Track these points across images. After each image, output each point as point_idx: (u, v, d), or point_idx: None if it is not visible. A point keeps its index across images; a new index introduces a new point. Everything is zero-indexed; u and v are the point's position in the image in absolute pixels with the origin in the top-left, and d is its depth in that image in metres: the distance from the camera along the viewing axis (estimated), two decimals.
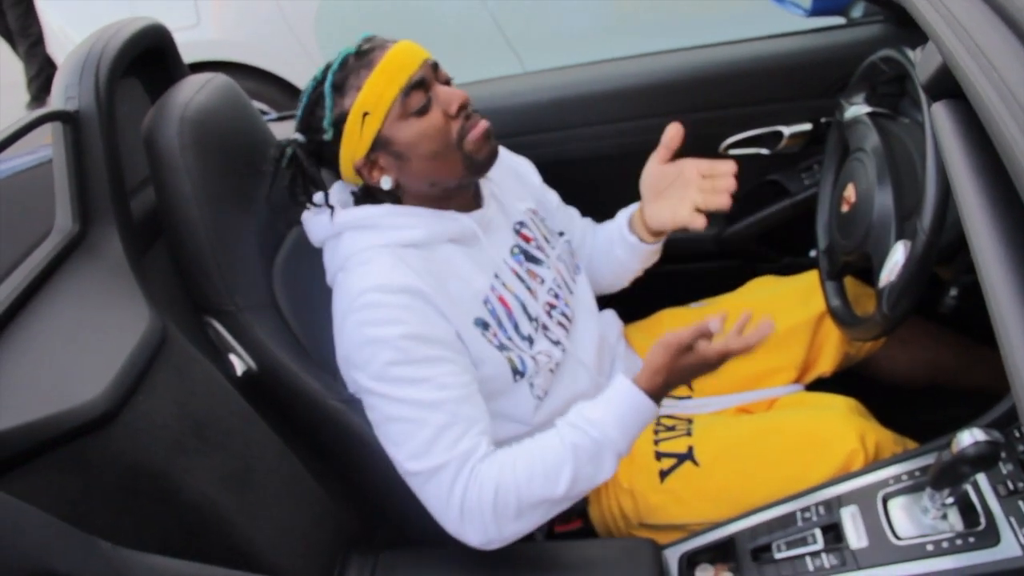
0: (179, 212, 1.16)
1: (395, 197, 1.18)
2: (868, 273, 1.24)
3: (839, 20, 1.69)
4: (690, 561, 1.13)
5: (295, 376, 1.19)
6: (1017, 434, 1.01)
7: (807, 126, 1.65)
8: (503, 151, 1.30)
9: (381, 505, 1.28)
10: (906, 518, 1.02)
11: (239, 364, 1.21)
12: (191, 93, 1.19)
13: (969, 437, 0.87)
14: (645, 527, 1.26)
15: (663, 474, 1.24)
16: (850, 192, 1.24)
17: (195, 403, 1.04)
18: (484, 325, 1.14)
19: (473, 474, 1.05)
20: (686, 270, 1.78)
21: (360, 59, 1.10)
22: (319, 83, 1.13)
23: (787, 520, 1.10)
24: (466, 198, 1.22)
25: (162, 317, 1.07)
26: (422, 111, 1.10)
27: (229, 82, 1.29)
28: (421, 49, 1.13)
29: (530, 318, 1.20)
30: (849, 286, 1.37)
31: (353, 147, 1.12)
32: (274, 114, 1.86)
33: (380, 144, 1.12)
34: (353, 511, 1.27)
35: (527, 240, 1.28)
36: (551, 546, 1.20)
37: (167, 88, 1.25)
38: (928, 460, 1.06)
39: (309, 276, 1.30)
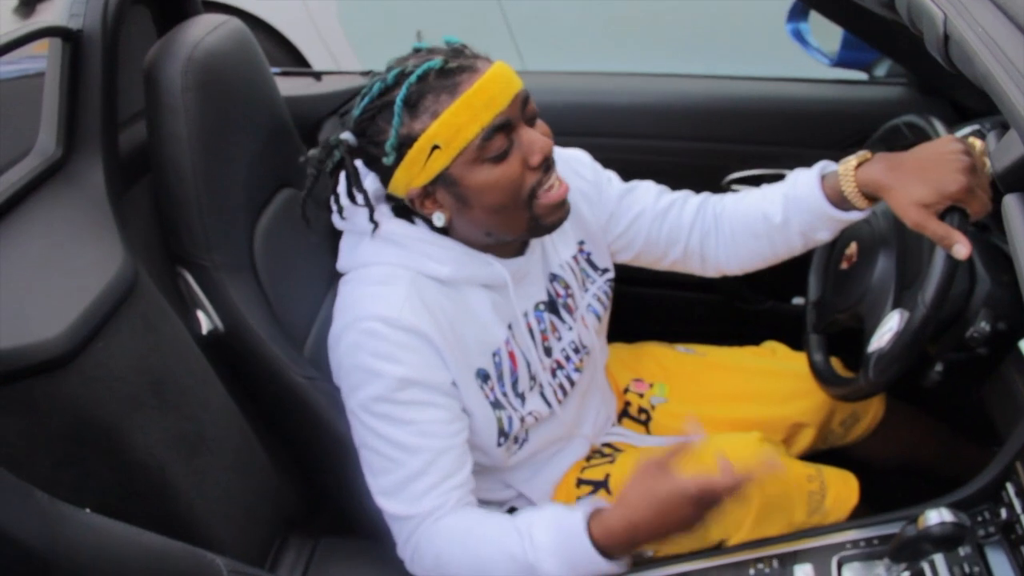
0: (170, 154, 1.11)
1: (443, 232, 1.07)
2: (853, 333, 1.24)
3: (862, 76, 1.68)
4: None
5: (261, 343, 1.15)
6: (980, 519, 1.01)
7: None
8: (557, 150, 1.09)
9: (330, 487, 1.25)
10: None
11: (205, 322, 1.16)
12: (202, 33, 1.14)
13: (936, 516, 0.86)
14: None
15: (579, 501, 1.22)
16: (852, 250, 1.23)
17: (156, 358, 0.99)
18: (484, 377, 1.08)
19: (429, 533, 1.01)
20: (672, 297, 1.76)
21: (444, 78, 0.95)
22: (388, 89, 0.98)
23: (740, 569, 1.08)
24: (512, 247, 1.11)
25: (135, 262, 1.02)
26: (499, 158, 0.97)
27: (243, 29, 1.24)
28: (515, 78, 0.98)
29: (531, 376, 1.14)
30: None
31: (412, 175, 0.99)
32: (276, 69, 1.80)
33: (443, 181, 0.98)
34: (298, 491, 1.23)
35: (558, 294, 1.19)
36: None
37: (176, 22, 1.19)
38: (889, 530, 1.05)
39: (292, 244, 1.26)
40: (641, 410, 1.39)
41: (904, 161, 1.02)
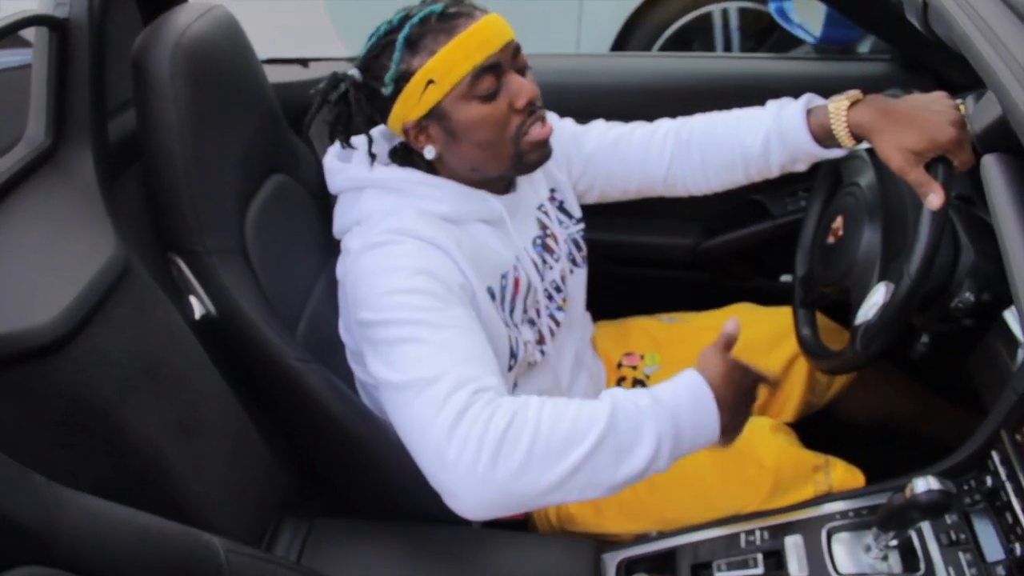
0: (160, 141, 1.11)
1: (431, 166, 1.12)
2: (841, 307, 1.25)
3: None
4: (628, 569, 1.12)
5: (255, 328, 1.16)
6: (966, 487, 1.03)
7: None
8: None
9: (324, 468, 1.25)
10: (847, 554, 1.03)
11: (198, 307, 1.16)
12: (189, 20, 1.14)
13: (924, 484, 0.87)
14: (566, 533, 1.26)
15: None
16: (838, 224, 1.24)
17: (150, 343, 1.00)
18: (492, 295, 1.10)
19: (481, 397, 0.88)
20: (658, 276, 1.77)
21: (443, 21, 1.02)
22: (392, 30, 1.05)
23: (731, 541, 1.10)
24: (501, 183, 1.16)
25: (127, 248, 1.02)
26: (488, 97, 1.03)
27: (230, 16, 1.24)
28: (507, 28, 1.06)
29: (526, 308, 1.17)
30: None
31: (408, 108, 1.05)
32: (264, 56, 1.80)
33: (436, 115, 1.05)
34: (293, 473, 1.24)
35: (544, 229, 1.23)
36: (489, 533, 1.19)
37: (162, 10, 1.19)
38: (878, 500, 1.07)
39: (283, 229, 1.27)
40: (637, 381, 1.41)
41: (897, 107, 1.05)
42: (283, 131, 1.39)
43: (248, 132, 1.23)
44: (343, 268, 1.13)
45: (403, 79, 1.03)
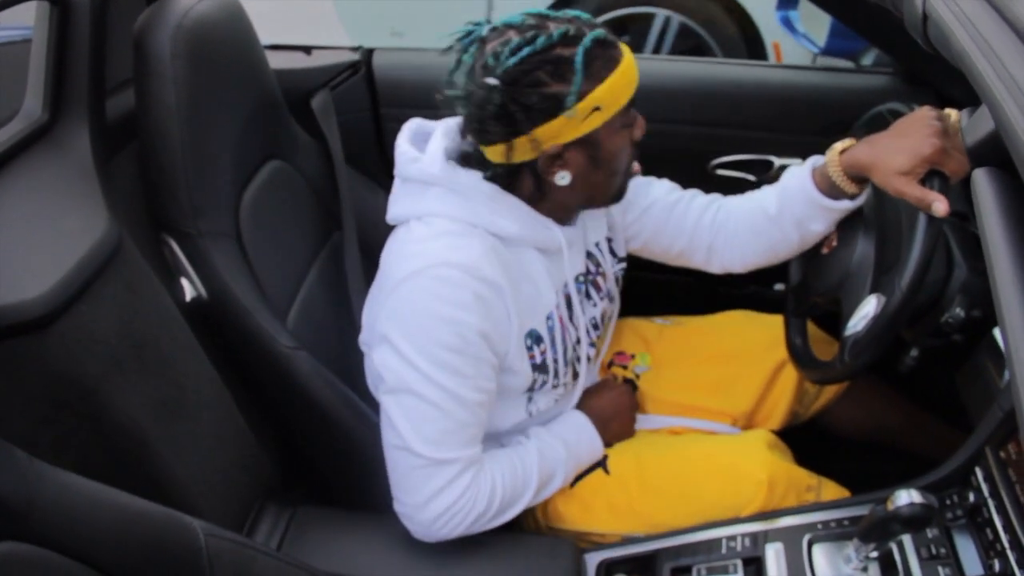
0: (158, 121, 1.11)
1: (537, 196, 1.09)
2: (832, 317, 1.25)
3: (849, 64, 1.69)
4: (609, 570, 1.13)
5: (245, 313, 1.15)
6: (949, 502, 1.03)
7: (798, 161, 1.65)
8: None
9: (309, 456, 1.25)
10: (827, 564, 1.03)
11: (189, 290, 1.16)
12: (192, 1, 1.14)
13: (906, 497, 0.88)
14: (552, 531, 1.26)
15: (576, 480, 1.24)
16: (833, 235, 1.24)
17: (139, 322, 0.99)
18: (538, 340, 1.12)
19: (475, 479, 1.07)
20: (653, 280, 1.77)
21: (605, 50, 1.00)
22: (553, 46, 0.98)
23: (712, 546, 1.10)
24: (568, 215, 1.16)
25: (119, 226, 1.02)
26: (627, 127, 1.06)
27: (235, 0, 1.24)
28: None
29: (574, 345, 1.19)
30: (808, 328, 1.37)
31: (560, 131, 1.01)
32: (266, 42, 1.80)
33: (588, 141, 1.03)
34: (277, 460, 1.24)
35: (589, 271, 1.23)
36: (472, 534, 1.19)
37: None
38: (859, 511, 1.07)
39: (278, 215, 1.26)
40: (627, 381, 1.42)
41: (880, 137, 1.08)
42: (283, 117, 1.38)
43: (247, 116, 1.23)
44: (390, 252, 1.10)
45: (577, 100, 0.99)
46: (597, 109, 1.01)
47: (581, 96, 0.99)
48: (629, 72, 1.03)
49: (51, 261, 0.91)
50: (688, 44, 2.93)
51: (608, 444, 1.25)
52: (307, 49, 1.72)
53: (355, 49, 1.72)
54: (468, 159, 1.07)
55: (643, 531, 1.19)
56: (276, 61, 1.42)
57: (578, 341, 1.19)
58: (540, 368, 1.13)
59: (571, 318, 1.18)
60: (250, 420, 1.17)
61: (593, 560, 1.14)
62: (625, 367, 1.44)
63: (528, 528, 1.28)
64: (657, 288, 1.74)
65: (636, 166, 1.11)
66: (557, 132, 1.01)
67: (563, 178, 1.05)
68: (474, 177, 1.07)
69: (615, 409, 1.28)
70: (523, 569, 1.11)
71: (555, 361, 1.15)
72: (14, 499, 0.63)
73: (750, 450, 1.21)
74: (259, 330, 1.15)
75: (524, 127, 1.00)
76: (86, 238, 0.96)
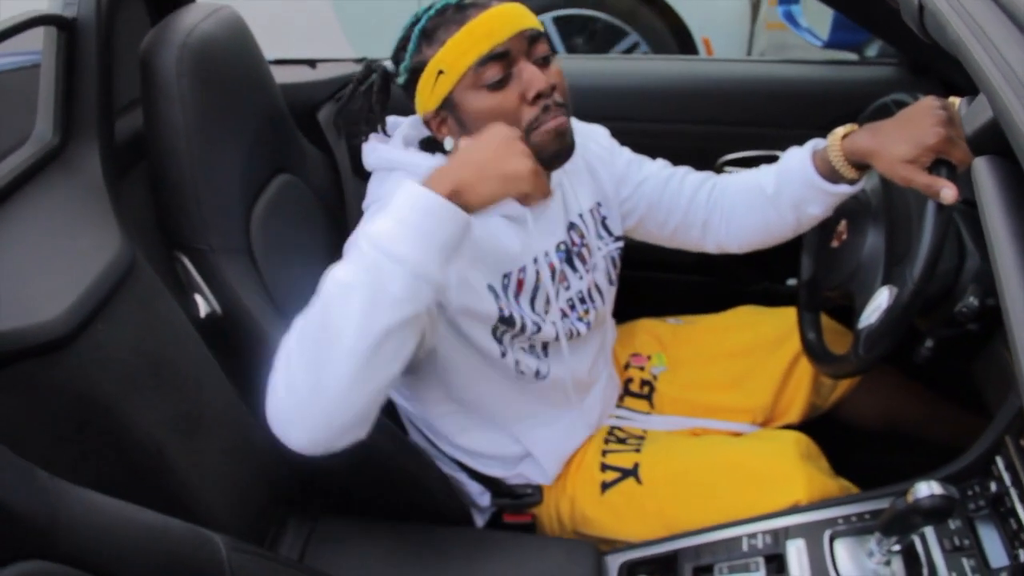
0: (166, 140, 1.12)
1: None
2: (845, 311, 1.24)
3: (853, 56, 1.69)
4: (631, 571, 1.12)
5: (259, 327, 1.16)
6: (970, 493, 1.03)
7: None
8: (577, 123, 1.16)
9: (327, 470, 1.25)
10: (850, 559, 1.02)
11: (203, 306, 1.17)
12: (197, 20, 1.15)
13: (927, 489, 0.87)
14: (579, 535, 1.26)
15: (605, 486, 1.23)
16: (843, 228, 1.24)
17: (154, 340, 1.00)
18: (496, 295, 1.09)
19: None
20: (665, 280, 1.77)
21: (457, 12, 1.03)
22: (415, 22, 1.06)
23: (732, 544, 1.10)
24: None
25: (132, 245, 1.03)
26: (496, 85, 1.02)
27: (238, 16, 1.25)
28: (523, 18, 1.03)
29: (545, 300, 1.16)
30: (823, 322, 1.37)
31: (424, 99, 1.07)
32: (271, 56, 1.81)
33: (449, 105, 1.05)
34: (295, 473, 1.24)
35: (573, 243, 1.21)
36: (493, 534, 1.20)
37: (170, 9, 1.20)
38: (880, 504, 1.06)
39: (289, 229, 1.27)
40: (644, 383, 1.42)
41: (884, 125, 1.06)
42: (290, 131, 1.39)
43: (254, 132, 1.24)
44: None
45: (417, 69, 1.05)
46: (441, 72, 1.03)
47: (419, 64, 1.05)
48: (478, 28, 1.00)
49: (66, 282, 0.91)
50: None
51: (500, 191, 0.90)
52: (312, 63, 1.73)
53: (359, 61, 1.73)
54: (430, 144, 1.13)
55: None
56: (281, 75, 1.43)
57: (548, 301, 1.16)
58: (507, 321, 1.10)
59: (553, 280, 1.16)
60: (267, 433, 1.17)
61: (615, 562, 1.14)
62: (642, 368, 1.44)
63: (551, 531, 1.28)
64: (669, 288, 1.74)
65: (551, 121, 1.02)
66: (425, 99, 1.07)
67: (448, 142, 1.09)
68: (435, 159, 1.09)
69: (482, 151, 0.91)
70: (546, 572, 1.11)
71: (521, 317, 1.12)
72: (37, 519, 0.64)
73: (786, 465, 1.18)
74: (273, 344, 1.15)
75: (410, 96, 1.08)
76: (100, 257, 0.97)
